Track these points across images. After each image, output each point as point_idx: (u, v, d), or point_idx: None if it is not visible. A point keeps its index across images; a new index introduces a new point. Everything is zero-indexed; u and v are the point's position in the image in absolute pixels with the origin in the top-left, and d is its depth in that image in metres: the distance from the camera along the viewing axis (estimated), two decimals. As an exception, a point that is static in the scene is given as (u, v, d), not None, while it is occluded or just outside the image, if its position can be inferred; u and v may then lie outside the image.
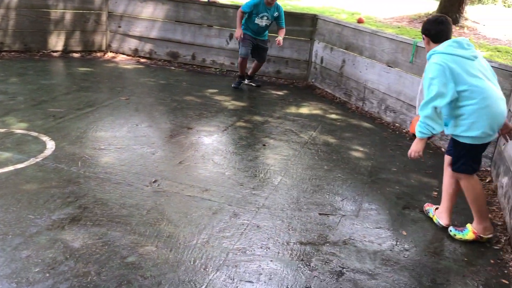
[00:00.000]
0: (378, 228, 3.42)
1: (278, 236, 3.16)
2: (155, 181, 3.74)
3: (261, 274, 2.76)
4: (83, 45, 8.12)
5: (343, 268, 2.91)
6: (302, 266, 2.87)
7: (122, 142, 4.46)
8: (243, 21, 6.50)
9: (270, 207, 3.53)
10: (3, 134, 4.41)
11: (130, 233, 3.01)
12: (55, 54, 7.91)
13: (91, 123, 4.88)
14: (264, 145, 4.77)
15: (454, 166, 3.24)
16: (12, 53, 7.63)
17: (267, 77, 7.59)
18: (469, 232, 3.27)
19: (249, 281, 2.69)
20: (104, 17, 8.11)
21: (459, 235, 3.31)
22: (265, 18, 6.41)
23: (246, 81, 7.03)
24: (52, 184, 3.56)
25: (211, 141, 4.73)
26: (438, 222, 3.45)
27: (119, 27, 8.11)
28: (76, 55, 8.00)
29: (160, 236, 3.02)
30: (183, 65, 7.91)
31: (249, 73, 7.01)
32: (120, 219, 3.16)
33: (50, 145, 4.25)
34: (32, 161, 3.90)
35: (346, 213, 3.56)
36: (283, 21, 6.58)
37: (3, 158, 3.90)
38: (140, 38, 8.05)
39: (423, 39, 3.28)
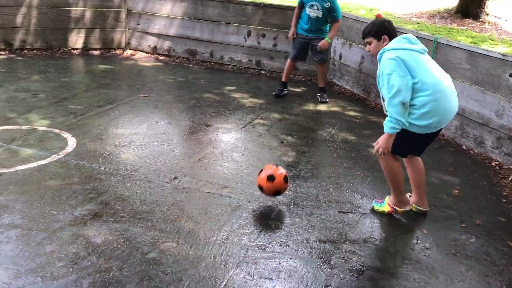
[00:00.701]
0: (398, 226, 3.39)
1: (298, 233, 3.16)
2: (175, 178, 3.77)
3: (281, 271, 2.76)
4: (102, 42, 8.21)
5: (363, 266, 2.89)
6: (321, 264, 2.86)
7: (142, 139, 4.51)
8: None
9: (288, 204, 3.53)
10: (26, 131, 4.49)
11: (151, 229, 3.04)
12: (75, 51, 8.01)
13: (112, 120, 4.94)
14: (282, 142, 4.76)
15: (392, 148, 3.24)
16: (34, 51, 7.75)
17: (285, 74, 7.56)
18: (385, 204, 3.49)
19: (269, 278, 2.69)
20: (123, 15, 8.18)
21: (377, 207, 3.54)
22: (315, 8, 5.79)
23: (318, 95, 6.34)
24: (74, 180, 3.61)
25: (230, 138, 4.74)
26: (419, 209, 3.54)
27: (138, 24, 8.17)
28: (95, 52, 8.10)
29: (181, 232, 3.05)
30: (201, 62, 7.93)
31: (319, 85, 6.37)
32: (141, 215, 3.20)
33: (72, 142, 4.32)
34: (54, 157, 3.97)
35: (366, 211, 3.54)
36: (338, 12, 5.91)
37: (27, 155, 3.97)
38: (158, 35, 8.11)
39: (377, 39, 3.26)
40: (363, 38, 3.35)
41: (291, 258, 2.89)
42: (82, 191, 3.45)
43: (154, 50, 8.21)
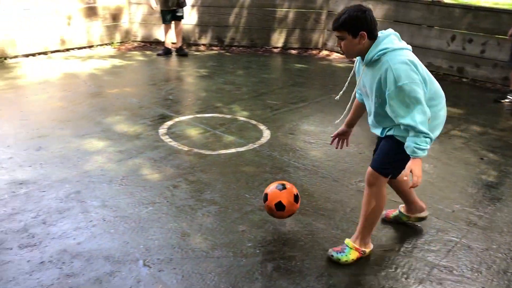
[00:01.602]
0: None
1: (493, 262, 2.83)
2: (360, 181, 3.74)
3: (469, 299, 2.52)
4: (300, 42, 8.59)
5: None
6: (520, 302, 2.52)
7: (330, 139, 4.58)
8: None
9: (485, 228, 3.19)
10: (229, 120, 4.99)
11: (334, 228, 3.08)
12: (275, 50, 8.56)
13: (303, 117, 5.14)
14: (482, 158, 4.32)
15: (383, 168, 2.64)
16: (240, 48, 8.54)
17: (491, 83, 6.83)
18: (350, 250, 2.74)
19: (455, 303, 2.48)
20: (323, 16, 8.42)
21: (341, 257, 2.73)
22: None
23: None
24: (266, 169, 3.88)
25: (421, 148, 4.49)
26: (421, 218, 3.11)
27: (336, 26, 8.30)
28: (293, 51, 8.52)
29: (362, 236, 3.01)
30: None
31: None
32: (324, 212, 3.26)
33: (266, 134, 4.64)
34: (250, 146, 4.32)
35: None
36: None
37: (228, 141, 4.41)
38: (355, 37, 8.11)
39: (353, 35, 2.44)
40: (334, 29, 2.50)
41: (483, 287, 2.61)
42: (272, 180, 3.65)
43: (349, 52, 8.24)
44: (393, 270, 2.71)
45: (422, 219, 3.15)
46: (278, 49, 8.58)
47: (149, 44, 8.56)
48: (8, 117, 4.82)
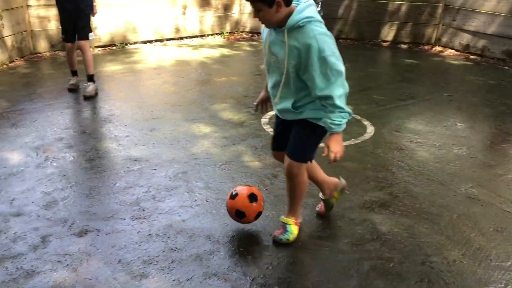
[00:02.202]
0: None
1: None
2: (471, 187, 3.49)
3: None
4: (412, 37, 8.18)
5: None
6: None
7: (439, 139, 4.33)
8: None
9: None
10: (332, 113, 4.92)
11: (437, 233, 2.92)
12: (384, 44, 8.26)
13: (411, 115, 4.91)
14: None
15: (303, 156, 2.62)
16: (348, 41, 8.37)
17: None
18: (292, 227, 2.79)
19: None
20: (439, 10, 7.92)
21: (286, 237, 2.77)
22: None
23: None
24: (367, 166, 3.78)
25: (545, 157, 4.07)
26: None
27: (453, 20, 7.77)
28: (403, 46, 8.15)
29: (469, 245, 2.82)
30: (520, 65, 7.01)
31: None
32: (428, 216, 3.10)
33: (370, 130, 4.50)
34: (352, 141, 4.23)
35: None
36: None
37: (330, 134, 4.37)
38: (474, 33, 7.52)
39: (269, 5, 2.26)
40: (249, 2, 2.30)
41: None
42: (374, 178, 3.57)
43: (466, 49, 7.67)
44: (502, 286, 2.50)
45: (344, 189, 3.08)
46: (388, 43, 8.26)
47: (257, 35, 8.73)
48: (127, 99, 5.24)
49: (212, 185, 3.42)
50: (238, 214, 2.75)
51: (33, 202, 3.13)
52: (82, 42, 5.05)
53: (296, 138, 2.59)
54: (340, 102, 2.34)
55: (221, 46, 7.97)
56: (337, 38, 8.41)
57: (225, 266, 2.57)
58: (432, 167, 3.79)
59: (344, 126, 2.40)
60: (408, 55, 7.60)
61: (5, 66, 6.34)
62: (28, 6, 6.71)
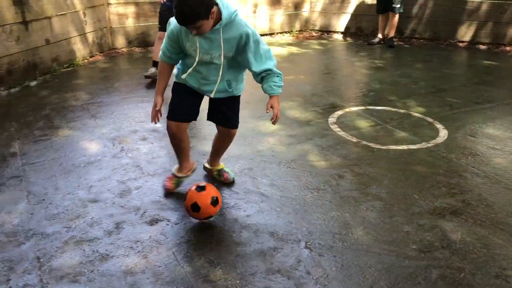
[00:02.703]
0: None
1: None
2: (553, 199, 3.26)
3: None
4: (492, 37, 7.74)
5: None
6: None
7: None
8: None
9: None
10: (402, 114, 4.78)
11: (514, 246, 2.75)
12: (460, 44, 7.88)
13: (488, 120, 4.66)
14: None
15: (238, 120, 3.22)
16: (421, 40, 8.08)
17: None
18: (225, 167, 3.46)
19: None
20: (524, 8, 7.43)
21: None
22: None
23: None
24: (439, 171, 3.63)
25: None
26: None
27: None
28: (482, 47, 7.73)
29: (550, 261, 2.63)
30: None
31: None
32: (504, 227, 2.93)
33: (443, 133, 4.32)
34: (424, 145, 4.08)
35: None
36: None
37: (400, 137, 4.24)
38: None
39: (207, 18, 2.53)
40: (188, 26, 2.55)
41: None
42: (446, 184, 3.43)
43: (553, 50, 7.15)
44: None
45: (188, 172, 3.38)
46: (465, 43, 7.88)
47: (327, 33, 8.64)
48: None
49: (277, 182, 3.44)
50: (193, 208, 2.81)
51: (108, 190, 3.32)
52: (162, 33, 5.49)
53: (231, 111, 3.12)
54: (276, 69, 2.85)
55: (290, 44, 7.97)
56: (410, 37, 8.16)
57: (288, 263, 2.58)
58: (510, 175, 3.57)
59: (281, 90, 2.90)
60: (487, 56, 7.19)
61: (86, 60, 6.75)
62: (108, 4, 7.09)
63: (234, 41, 2.71)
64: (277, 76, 2.85)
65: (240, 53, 2.77)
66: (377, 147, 4.04)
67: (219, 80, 2.85)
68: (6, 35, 5.39)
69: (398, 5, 7.47)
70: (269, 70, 2.80)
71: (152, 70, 5.75)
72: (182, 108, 3.01)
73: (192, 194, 2.83)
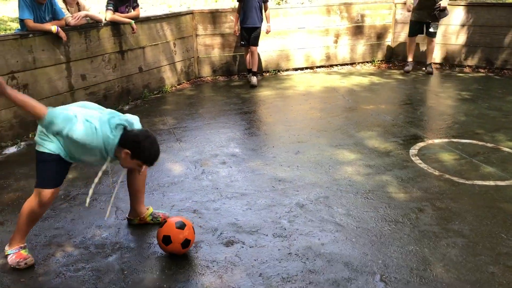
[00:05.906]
0: None
1: None
2: None
3: None
4: None
5: None
6: None
7: None
8: None
9: None
10: (490, 149, 4.53)
11: None
12: (559, 76, 7.33)
13: None
14: None
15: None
16: (514, 72, 7.62)
17: None
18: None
19: None
20: None
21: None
22: None
23: None
24: None
25: None
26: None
27: None
28: None
29: None
30: None
31: None
32: None
33: (536, 170, 4.03)
34: (513, 181, 3.83)
35: None
36: None
37: (486, 172, 4.02)
38: None
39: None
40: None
41: None
42: (538, 225, 3.19)
43: None
44: None
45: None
46: None
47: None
48: (276, 122, 5.51)
49: (353, 212, 3.40)
50: (164, 241, 2.84)
51: (188, 210, 3.48)
52: (253, 48, 7.12)
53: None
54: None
55: (371, 74, 7.91)
56: (501, 68, 7.74)
57: (362, 295, 2.53)
58: None
59: None
60: None
61: (173, 87, 7.18)
62: (197, 35, 7.53)
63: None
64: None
65: None
66: (461, 181, 3.86)
67: None
68: (105, 63, 5.92)
69: (436, 30, 7.45)
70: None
71: (253, 79, 7.20)
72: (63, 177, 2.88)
73: (170, 226, 2.85)
